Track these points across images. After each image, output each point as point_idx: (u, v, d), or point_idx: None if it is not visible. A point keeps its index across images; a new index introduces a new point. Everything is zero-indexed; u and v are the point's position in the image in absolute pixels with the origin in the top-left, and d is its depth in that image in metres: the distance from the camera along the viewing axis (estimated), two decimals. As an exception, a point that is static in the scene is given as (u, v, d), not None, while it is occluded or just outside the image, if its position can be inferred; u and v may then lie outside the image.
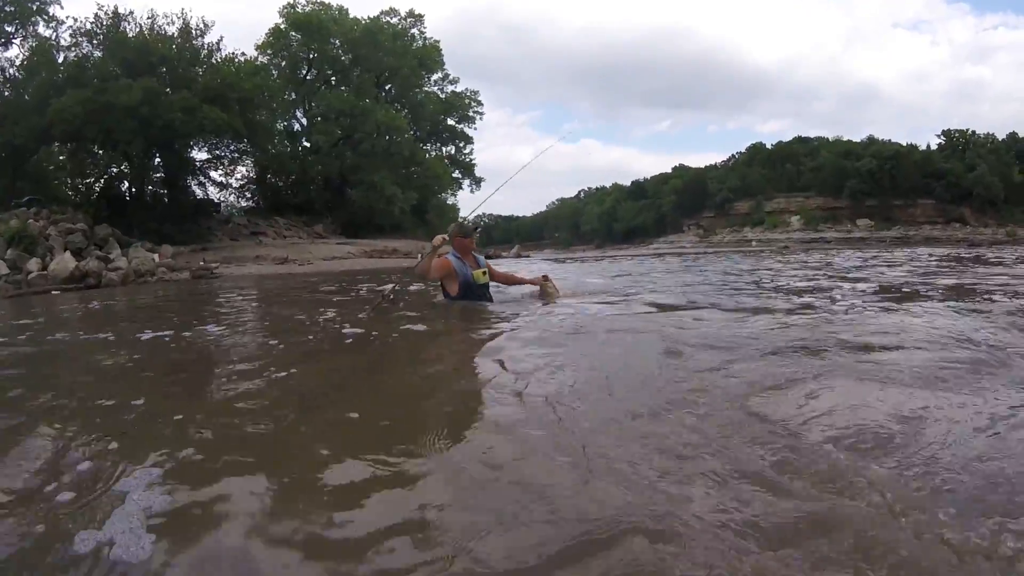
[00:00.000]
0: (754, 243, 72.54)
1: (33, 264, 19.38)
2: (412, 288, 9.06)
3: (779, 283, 9.83)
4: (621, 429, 2.37)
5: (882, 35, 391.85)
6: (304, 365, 3.96)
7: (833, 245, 58.03)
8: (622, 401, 2.73)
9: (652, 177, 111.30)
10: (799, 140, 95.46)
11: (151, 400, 3.14)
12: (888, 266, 15.13)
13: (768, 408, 2.55)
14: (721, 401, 2.64)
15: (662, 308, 5.96)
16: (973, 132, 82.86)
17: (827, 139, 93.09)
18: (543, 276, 6.83)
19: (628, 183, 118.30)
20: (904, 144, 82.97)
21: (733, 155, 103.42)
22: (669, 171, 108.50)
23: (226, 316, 8.00)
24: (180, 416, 2.74)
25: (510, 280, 7.01)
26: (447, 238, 6.14)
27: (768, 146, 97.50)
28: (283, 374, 3.60)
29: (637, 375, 3.23)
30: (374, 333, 5.07)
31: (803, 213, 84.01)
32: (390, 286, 6.82)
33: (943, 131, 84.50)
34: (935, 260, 18.20)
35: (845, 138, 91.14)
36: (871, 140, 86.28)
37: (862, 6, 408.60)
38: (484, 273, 6.29)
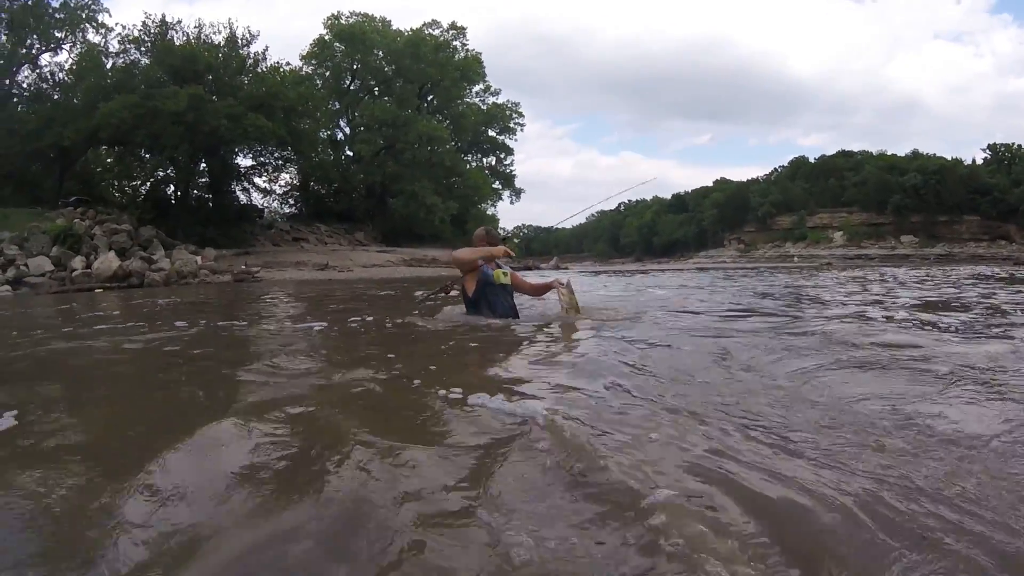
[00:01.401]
0: (796, 259, 71.22)
1: (77, 262, 19.47)
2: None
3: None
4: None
5: (923, 47, 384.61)
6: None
7: (876, 262, 56.70)
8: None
9: (693, 190, 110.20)
10: (842, 154, 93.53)
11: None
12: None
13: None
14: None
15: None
16: (1019, 146, 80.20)
17: (871, 153, 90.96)
18: (558, 280, 6.29)
19: (668, 196, 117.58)
20: (949, 159, 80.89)
21: (775, 168, 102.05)
22: (710, 184, 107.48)
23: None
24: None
25: (537, 290, 6.65)
26: (510, 253, 5.92)
27: (811, 160, 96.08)
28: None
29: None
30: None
31: (846, 229, 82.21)
32: (450, 282, 6.85)
33: (988, 145, 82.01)
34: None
35: (889, 152, 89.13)
36: (915, 154, 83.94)
37: (902, 17, 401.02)
38: (504, 274, 6.07)
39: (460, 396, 2.84)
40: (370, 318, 7.17)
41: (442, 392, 2.92)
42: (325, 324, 6.61)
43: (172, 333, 6.15)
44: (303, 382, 3.45)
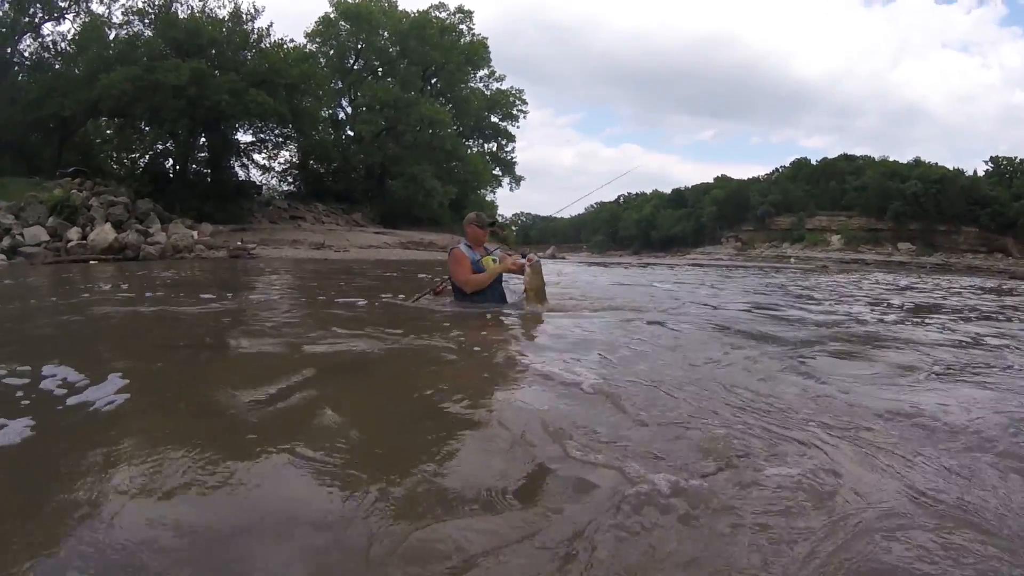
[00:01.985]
0: (793, 260, 71.20)
1: (73, 233, 19.46)
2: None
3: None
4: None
5: (930, 54, 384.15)
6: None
7: (872, 268, 56.61)
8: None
9: (693, 186, 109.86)
10: (844, 158, 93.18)
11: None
12: None
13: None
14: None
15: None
16: (1022, 160, 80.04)
17: (873, 158, 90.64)
18: (527, 260, 6.12)
19: (668, 190, 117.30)
20: (951, 168, 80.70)
21: (776, 168, 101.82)
22: (711, 181, 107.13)
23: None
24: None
25: (522, 269, 6.46)
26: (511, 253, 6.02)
27: (813, 162, 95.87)
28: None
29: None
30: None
31: (844, 232, 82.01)
32: (440, 284, 6.82)
33: (991, 157, 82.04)
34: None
35: (891, 158, 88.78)
36: (917, 162, 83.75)
37: (910, 24, 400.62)
38: (494, 260, 6.09)
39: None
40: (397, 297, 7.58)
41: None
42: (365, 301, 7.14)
43: (205, 307, 6.49)
44: (378, 343, 4.28)
